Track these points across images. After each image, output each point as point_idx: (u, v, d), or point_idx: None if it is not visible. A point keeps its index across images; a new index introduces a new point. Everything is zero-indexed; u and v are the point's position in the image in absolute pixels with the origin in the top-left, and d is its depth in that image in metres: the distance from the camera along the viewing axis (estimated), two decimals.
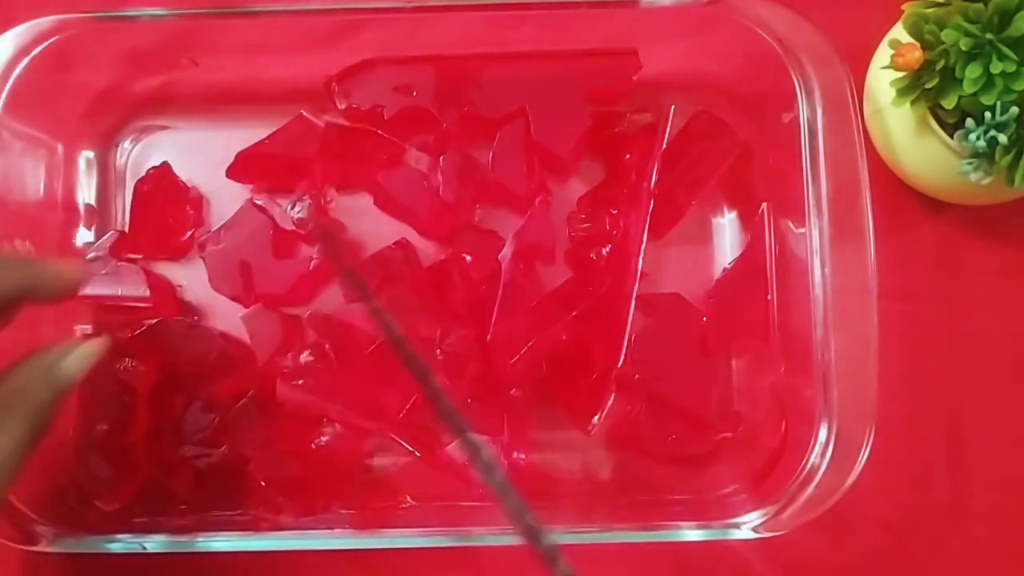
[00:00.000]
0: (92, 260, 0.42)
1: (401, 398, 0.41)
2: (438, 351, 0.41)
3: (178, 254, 0.44)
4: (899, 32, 0.39)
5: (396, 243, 0.42)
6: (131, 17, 0.41)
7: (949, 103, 0.37)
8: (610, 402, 0.42)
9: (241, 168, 0.43)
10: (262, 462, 0.40)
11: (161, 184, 0.44)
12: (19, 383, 0.32)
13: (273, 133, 0.43)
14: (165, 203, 0.43)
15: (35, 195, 0.43)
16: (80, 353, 0.34)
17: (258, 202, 0.43)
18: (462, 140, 0.43)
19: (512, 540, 0.36)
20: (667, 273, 0.43)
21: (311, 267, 0.42)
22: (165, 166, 0.44)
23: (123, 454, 0.40)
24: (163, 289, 0.43)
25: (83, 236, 0.44)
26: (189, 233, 0.43)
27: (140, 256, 0.43)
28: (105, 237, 0.43)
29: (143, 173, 0.44)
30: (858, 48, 0.43)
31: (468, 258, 0.41)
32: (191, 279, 0.43)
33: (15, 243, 0.41)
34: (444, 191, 0.42)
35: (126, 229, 0.44)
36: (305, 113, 0.43)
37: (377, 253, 0.42)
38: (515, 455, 0.41)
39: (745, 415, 0.42)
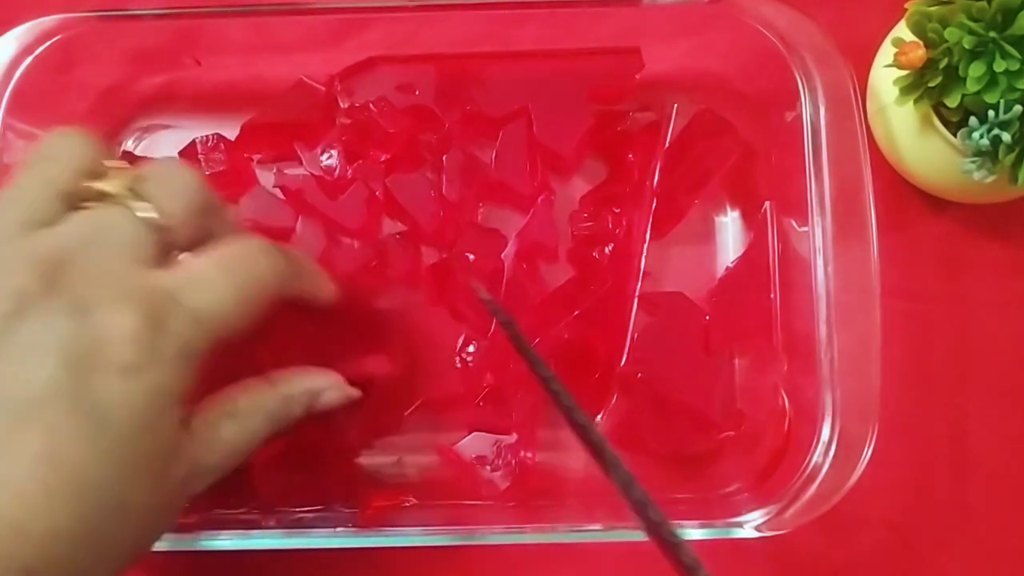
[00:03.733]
0: None
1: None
2: (457, 360, 0.41)
3: None
4: (902, 30, 0.39)
5: (400, 232, 0.42)
6: (134, 16, 0.41)
7: (952, 101, 0.37)
8: (612, 401, 0.42)
9: (247, 140, 0.43)
10: (263, 461, 0.40)
11: None
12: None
13: (275, 101, 0.43)
14: None
15: None
16: (324, 395, 0.34)
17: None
18: (465, 139, 0.43)
19: (512, 539, 0.36)
20: (670, 272, 0.43)
21: (376, 193, 0.42)
22: None
23: None
24: None
25: None
26: None
27: None
28: None
29: None
30: (861, 46, 0.43)
31: (471, 257, 0.41)
32: None
33: None
34: (447, 190, 0.42)
35: None
36: (305, 78, 0.43)
37: (378, 241, 0.42)
38: (523, 454, 0.41)
39: (748, 414, 0.42)
